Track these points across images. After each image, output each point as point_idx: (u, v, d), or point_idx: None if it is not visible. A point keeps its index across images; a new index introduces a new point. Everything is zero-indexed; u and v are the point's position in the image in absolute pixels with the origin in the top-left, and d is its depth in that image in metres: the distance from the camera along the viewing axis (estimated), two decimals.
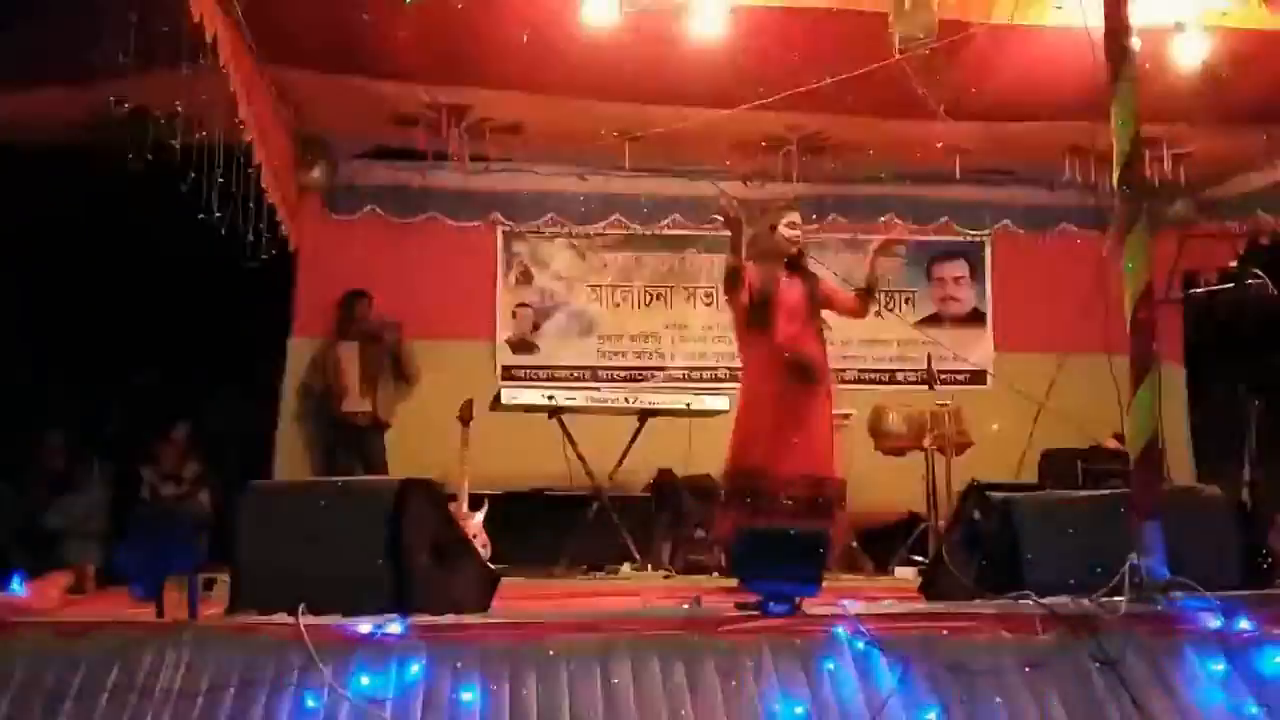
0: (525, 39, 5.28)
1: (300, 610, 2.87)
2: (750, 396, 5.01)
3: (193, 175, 5.09)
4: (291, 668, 2.79)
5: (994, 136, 6.88)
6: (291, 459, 7.60)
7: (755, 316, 4.95)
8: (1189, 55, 5.67)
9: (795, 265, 5.11)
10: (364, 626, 2.87)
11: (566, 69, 5.79)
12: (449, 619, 3.05)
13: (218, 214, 5.41)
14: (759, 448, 4.84)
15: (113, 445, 8.21)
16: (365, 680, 2.78)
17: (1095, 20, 3.62)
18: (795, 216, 5.18)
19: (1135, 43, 3.53)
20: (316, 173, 7.68)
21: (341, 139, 7.66)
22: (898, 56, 5.07)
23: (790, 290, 5.01)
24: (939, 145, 7.11)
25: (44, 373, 7.95)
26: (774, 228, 5.10)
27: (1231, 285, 5.01)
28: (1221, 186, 8.04)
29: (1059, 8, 5.11)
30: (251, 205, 5.81)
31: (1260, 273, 5.08)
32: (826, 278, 5.30)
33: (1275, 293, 4.97)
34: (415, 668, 2.82)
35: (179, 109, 4.88)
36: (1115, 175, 3.47)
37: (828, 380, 5.08)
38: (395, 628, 2.87)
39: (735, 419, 5.10)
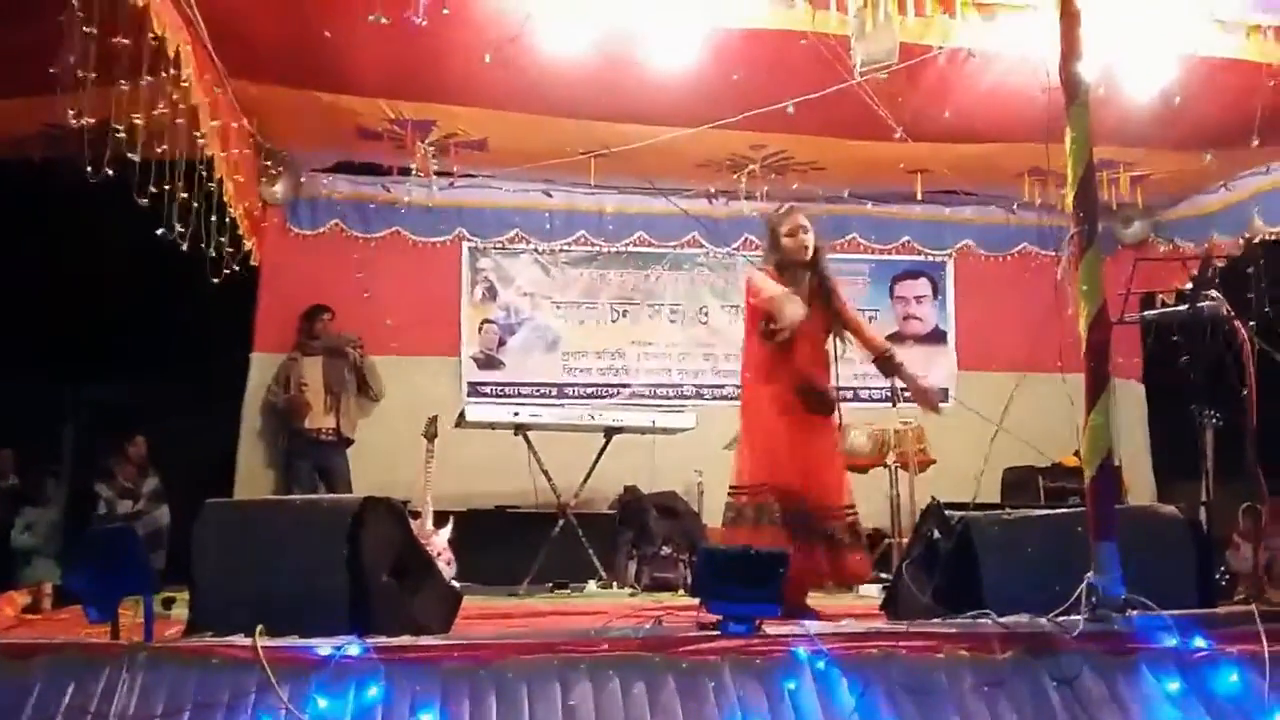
0: (488, 59, 5.27)
1: (257, 632, 2.85)
2: (757, 418, 4.58)
3: (154, 189, 5.04)
4: (248, 690, 2.78)
5: (954, 158, 6.96)
6: (252, 475, 7.53)
7: (774, 333, 4.45)
8: (1146, 81, 5.77)
9: (814, 274, 4.61)
10: (322, 648, 2.85)
11: (531, 86, 5.81)
12: (407, 640, 3.03)
13: (179, 228, 5.37)
14: (770, 468, 4.46)
15: (69, 461, 8.12)
16: (323, 702, 2.77)
17: (1051, 46, 3.68)
18: (799, 219, 4.62)
19: (1088, 68, 3.58)
20: (280, 187, 7.65)
21: (305, 153, 7.63)
22: (859, 79, 5.12)
23: (814, 314, 4.52)
24: (900, 166, 7.19)
25: None
26: (777, 242, 4.62)
27: (1187, 306, 5.08)
28: (1176, 208, 8.18)
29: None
30: (213, 219, 5.76)
31: (1215, 293, 5.16)
32: (850, 307, 4.85)
33: (1230, 313, 5.05)
34: (374, 690, 2.81)
35: (140, 122, 4.83)
36: (1069, 198, 3.51)
37: (835, 409, 4.67)
38: (354, 649, 2.85)
39: (749, 434, 4.62)
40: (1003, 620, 3.09)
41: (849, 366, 8.01)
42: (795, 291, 4.49)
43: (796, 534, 4.33)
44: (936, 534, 3.75)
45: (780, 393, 4.53)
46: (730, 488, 4.62)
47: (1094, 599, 3.18)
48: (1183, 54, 5.64)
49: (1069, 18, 3.60)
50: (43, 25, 4.44)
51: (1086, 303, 3.40)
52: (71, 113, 4.55)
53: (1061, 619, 3.11)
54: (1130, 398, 7.98)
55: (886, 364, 4.74)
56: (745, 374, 4.76)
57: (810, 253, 4.61)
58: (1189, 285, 5.28)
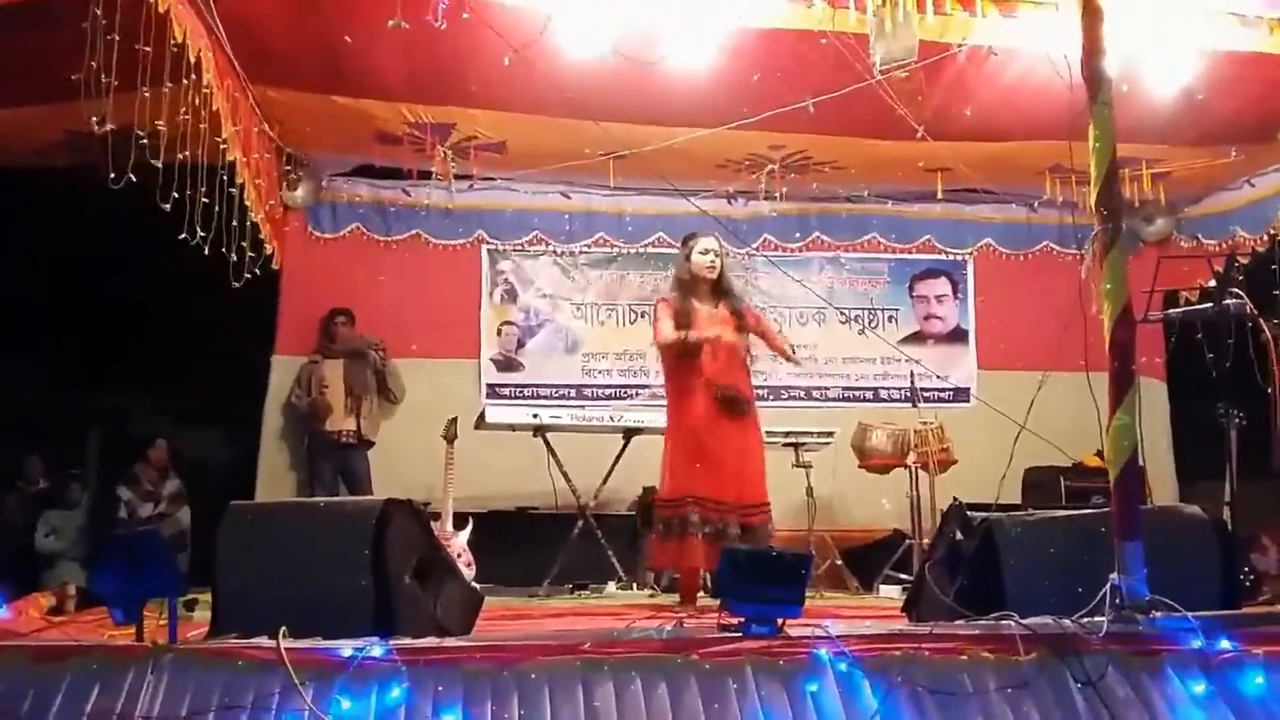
0: (507, 61, 5.28)
1: (281, 634, 2.86)
2: (680, 429, 5.00)
3: (176, 194, 5.08)
4: (272, 691, 2.78)
5: (975, 156, 6.93)
6: (274, 478, 7.57)
7: (679, 347, 4.97)
8: (1167, 77, 5.73)
9: (718, 293, 5.11)
10: (345, 650, 2.86)
11: (550, 89, 5.80)
12: (430, 642, 3.04)
13: (201, 233, 5.40)
14: (694, 479, 4.86)
15: (92, 465, 8.17)
16: (346, 704, 2.78)
17: (1072, 43, 3.66)
18: (710, 243, 5.13)
19: (1111, 66, 3.56)
20: (301, 191, 7.70)
21: (326, 157, 7.67)
22: (878, 78, 5.11)
23: (712, 322, 5.01)
24: (920, 165, 7.16)
25: (23, 393, 7.92)
26: (688, 257, 5.12)
27: (1211, 304, 5.04)
28: (1199, 205, 8.12)
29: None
30: (235, 224, 5.80)
31: (1239, 291, 5.12)
32: (758, 319, 5.32)
33: (1254, 311, 5.01)
34: (396, 691, 2.81)
35: (162, 128, 4.86)
36: (1092, 197, 3.49)
37: (755, 410, 5.10)
38: (376, 651, 2.86)
39: (666, 449, 5.08)
40: (1026, 622, 3.07)
41: (870, 366, 8.22)
42: (700, 307, 5.01)
43: (714, 538, 4.75)
44: (959, 535, 3.73)
45: (700, 404, 4.93)
46: (657, 503, 5.09)
47: (1118, 600, 3.16)
48: (1204, 49, 5.60)
49: (1091, 14, 3.58)
50: (65, 32, 4.47)
51: (1111, 301, 3.39)
52: (94, 119, 4.59)
53: (1086, 620, 3.09)
54: (1152, 396, 7.91)
55: (791, 359, 5.29)
56: (668, 397, 5.16)
57: (716, 273, 5.10)
58: (1212, 283, 5.25)
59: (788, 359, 5.27)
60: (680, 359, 5.01)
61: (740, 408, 4.98)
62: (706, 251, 5.10)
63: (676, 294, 5.11)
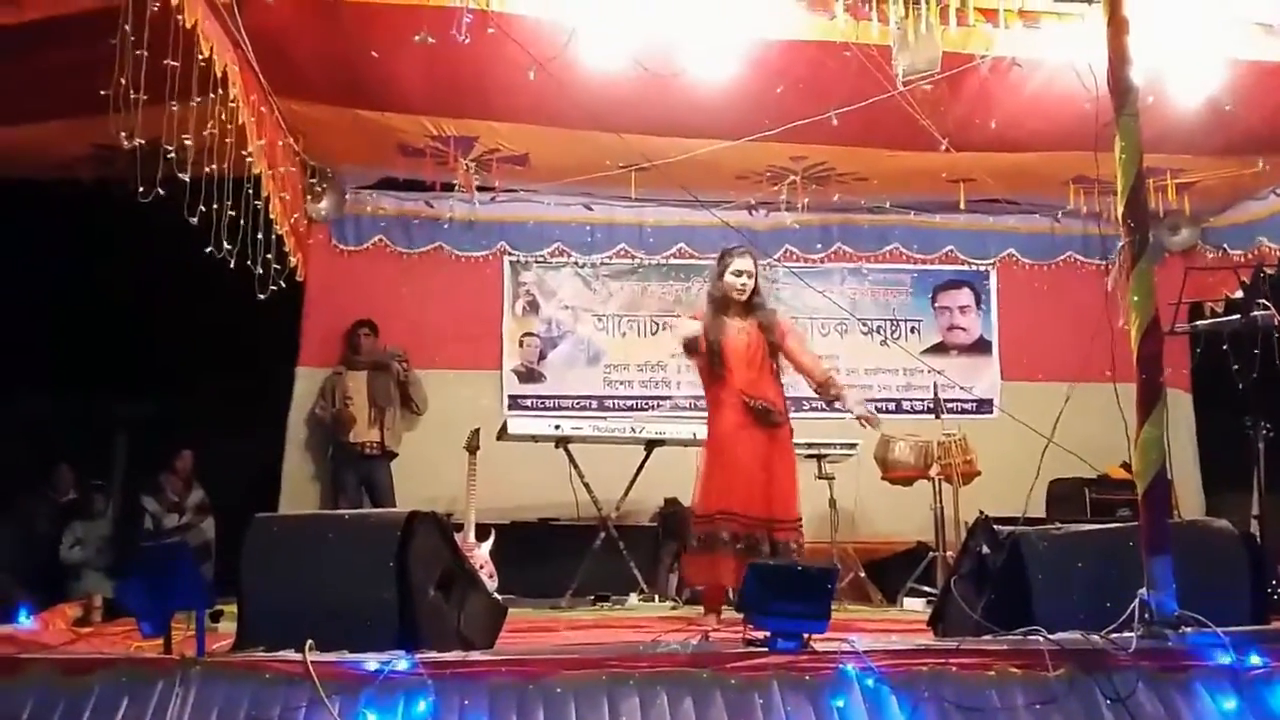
0: (532, 75, 5.30)
1: (307, 647, 2.87)
2: (715, 442, 4.98)
3: (202, 208, 5.11)
4: (299, 705, 2.80)
5: (998, 167, 6.90)
6: (298, 488, 7.60)
7: (710, 363, 4.97)
8: (1191, 87, 5.69)
9: (750, 310, 5.04)
10: (371, 663, 2.87)
11: (573, 101, 5.82)
12: (456, 655, 3.04)
13: (227, 246, 5.43)
14: (726, 493, 4.83)
15: (119, 475, 8.21)
16: (372, 717, 2.79)
17: (1097, 53, 3.65)
18: (743, 263, 5.02)
19: (1136, 76, 3.54)
20: (325, 204, 7.75)
21: (349, 170, 7.72)
22: (901, 89, 5.10)
23: (741, 335, 4.97)
24: (943, 175, 7.14)
25: (52, 404, 7.97)
26: (721, 275, 5.05)
27: (1238, 316, 5.01)
28: (1224, 215, 8.06)
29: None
30: (260, 236, 5.84)
31: (1267, 302, 5.09)
32: (793, 337, 5.14)
33: None
34: (422, 704, 2.82)
35: (189, 142, 4.90)
36: (1119, 208, 3.48)
37: (787, 422, 5.03)
38: (402, 664, 2.87)
39: (701, 464, 5.04)
40: (1054, 637, 3.05)
41: (893, 378, 8.19)
42: (730, 322, 4.98)
43: (745, 552, 4.68)
44: (985, 549, 3.71)
45: (730, 415, 4.91)
46: (691, 519, 5.05)
47: (1147, 615, 3.14)
48: (1229, 59, 5.57)
49: (1116, 25, 3.56)
50: (93, 47, 4.52)
51: (1138, 313, 3.37)
52: (122, 134, 4.62)
53: (1115, 636, 3.07)
54: (1178, 408, 7.84)
55: (824, 390, 5.09)
56: (709, 414, 5.10)
57: (747, 294, 5.02)
58: (1239, 294, 5.21)
59: (816, 388, 5.11)
60: (708, 371, 4.99)
61: (772, 419, 4.91)
62: (740, 273, 5.00)
63: (708, 309, 5.07)
